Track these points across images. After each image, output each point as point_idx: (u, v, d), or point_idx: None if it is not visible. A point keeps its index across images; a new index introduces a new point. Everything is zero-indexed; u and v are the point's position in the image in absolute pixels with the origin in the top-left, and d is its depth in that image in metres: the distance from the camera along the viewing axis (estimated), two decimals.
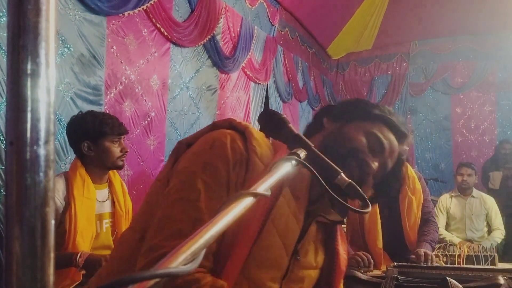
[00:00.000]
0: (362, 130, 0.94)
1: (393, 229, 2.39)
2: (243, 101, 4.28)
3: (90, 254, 1.66)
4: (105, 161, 1.86)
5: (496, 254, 2.36)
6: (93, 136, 1.82)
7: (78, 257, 1.63)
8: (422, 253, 2.12)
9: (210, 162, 0.83)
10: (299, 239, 0.91)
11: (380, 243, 2.31)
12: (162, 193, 0.86)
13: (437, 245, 2.70)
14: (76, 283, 1.72)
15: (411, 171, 2.47)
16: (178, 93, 3.32)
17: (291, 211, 0.88)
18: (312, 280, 0.98)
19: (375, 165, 0.91)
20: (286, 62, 5.02)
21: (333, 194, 0.80)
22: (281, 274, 0.89)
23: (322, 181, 0.74)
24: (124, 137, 1.96)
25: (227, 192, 0.82)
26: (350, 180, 0.74)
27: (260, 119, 0.85)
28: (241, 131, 0.90)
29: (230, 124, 0.93)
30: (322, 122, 1.00)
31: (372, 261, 2.10)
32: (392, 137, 0.96)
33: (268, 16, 4.53)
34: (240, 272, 0.81)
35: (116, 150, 1.86)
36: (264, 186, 0.53)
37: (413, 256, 2.14)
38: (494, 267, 2.20)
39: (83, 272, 1.70)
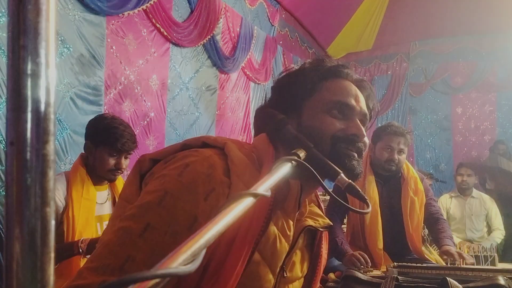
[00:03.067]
0: (320, 109, 0.85)
1: (395, 230, 2.39)
2: (242, 102, 4.28)
3: (91, 239, 1.65)
4: (97, 168, 1.82)
5: (496, 254, 2.36)
6: (95, 140, 1.80)
7: (80, 243, 1.62)
8: (456, 254, 2.06)
9: (173, 192, 0.71)
10: (287, 254, 0.85)
11: (380, 244, 2.31)
12: None
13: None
14: None
15: (413, 172, 2.46)
16: (177, 93, 3.32)
17: (279, 231, 0.82)
18: None
19: (360, 127, 0.86)
20: (286, 62, 5.02)
21: (334, 195, 0.80)
22: None
23: (323, 182, 0.74)
24: (128, 156, 1.87)
25: (189, 227, 0.71)
26: (349, 181, 0.74)
27: (261, 119, 0.85)
28: (221, 148, 0.80)
29: (204, 143, 0.82)
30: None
31: (369, 260, 2.09)
32: (350, 85, 0.89)
33: (268, 16, 4.53)
34: None
35: (110, 163, 1.80)
36: (264, 187, 0.53)
37: (445, 257, 2.09)
38: (494, 267, 2.20)
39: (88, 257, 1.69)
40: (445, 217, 3.91)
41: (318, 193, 3.62)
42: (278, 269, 0.83)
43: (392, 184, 2.44)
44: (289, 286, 0.88)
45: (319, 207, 0.99)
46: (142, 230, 0.68)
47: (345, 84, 0.89)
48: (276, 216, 0.81)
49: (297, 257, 0.90)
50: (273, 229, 0.80)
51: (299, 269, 0.91)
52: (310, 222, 0.90)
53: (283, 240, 0.82)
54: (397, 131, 2.37)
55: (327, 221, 0.94)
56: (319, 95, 0.86)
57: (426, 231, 2.81)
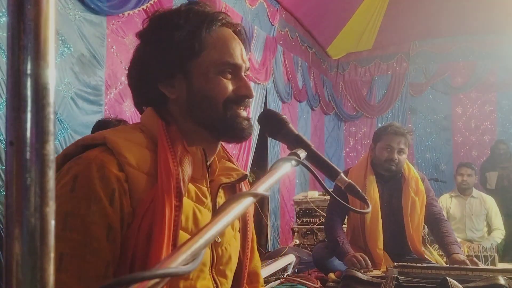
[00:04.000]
0: (212, 71, 0.82)
1: (396, 230, 2.39)
2: None
3: None
4: None
5: (496, 254, 2.36)
6: None
7: None
8: (467, 261, 2.02)
9: (73, 211, 0.67)
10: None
11: (381, 244, 2.31)
12: None
13: (437, 245, 2.70)
14: None
15: (414, 172, 2.46)
16: None
17: (195, 201, 0.80)
18: (237, 247, 0.93)
19: (249, 85, 0.86)
20: (286, 62, 5.02)
21: (334, 196, 0.80)
22: (208, 267, 0.83)
23: (323, 183, 0.74)
24: None
25: (107, 238, 0.68)
26: (350, 180, 0.74)
27: (260, 120, 0.85)
28: (102, 145, 0.74)
29: (84, 145, 0.76)
30: (157, 90, 0.83)
31: (369, 262, 2.09)
32: (233, 38, 0.86)
33: (268, 16, 4.53)
34: None
35: None
36: (264, 187, 0.53)
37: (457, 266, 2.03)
38: (494, 267, 2.20)
39: None
40: (445, 217, 3.92)
41: (318, 193, 3.63)
42: None
43: (393, 184, 2.44)
44: (226, 247, 0.87)
45: (230, 160, 0.96)
46: (58, 263, 0.63)
47: (229, 37, 0.86)
48: (187, 189, 0.78)
49: None
50: (187, 202, 0.78)
51: (230, 228, 0.90)
52: (224, 179, 0.89)
53: (202, 209, 0.81)
54: (398, 131, 2.37)
55: (241, 171, 0.93)
56: (207, 54, 0.82)
57: (426, 230, 2.80)
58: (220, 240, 0.85)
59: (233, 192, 0.94)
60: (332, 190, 0.80)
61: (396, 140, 2.35)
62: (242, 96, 0.85)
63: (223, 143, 0.93)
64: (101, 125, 1.87)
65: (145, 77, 0.84)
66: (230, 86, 0.84)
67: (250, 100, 0.87)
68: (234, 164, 0.95)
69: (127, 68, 2.85)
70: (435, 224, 2.40)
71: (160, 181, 0.73)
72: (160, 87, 0.83)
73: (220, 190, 0.88)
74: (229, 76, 0.84)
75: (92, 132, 1.88)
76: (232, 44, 0.85)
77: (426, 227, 2.64)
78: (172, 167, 0.74)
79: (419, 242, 2.36)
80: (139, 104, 0.90)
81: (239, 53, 0.86)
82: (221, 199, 0.89)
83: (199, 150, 0.83)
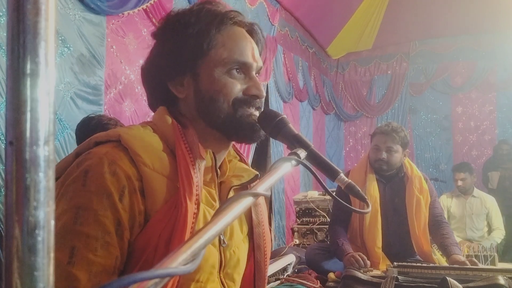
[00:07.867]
0: (219, 71, 0.81)
1: (399, 231, 2.37)
2: None
3: None
4: None
5: (496, 254, 2.36)
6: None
7: None
8: (467, 262, 2.00)
9: (84, 205, 0.66)
10: None
11: (379, 243, 2.30)
12: None
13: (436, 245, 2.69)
14: None
15: (417, 171, 2.46)
16: None
17: (205, 203, 0.79)
18: (245, 251, 0.90)
19: (259, 85, 0.83)
20: (286, 62, 5.02)
21: (334, 196, 0.80)
22: (217, 269, 0.82)
23: (323, 182, 0.74)
24: None
25: (116, 232, 0.68)
26: (349, 180, 0.74)
27: (261, 119, 0.85)
28: (117, 141, 0.73)
29: (97, 143, 0.75)
30: (167, 89, 0.83)
31: (368, 262, 2.09)
32: (245, 36, 0.85)
33: (268, 16, 4.53)
34: None
35: None
36: (264, 186, 0.53)
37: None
38: (494, 267, 2.20)
39: None
40: (446, 217, 3.92)
41: (318, 193, 3.62)
42: (217, 241, 0.82)
43: (395, 183, 2.43)
44: (234, 250, 0.86)
45: (243, 160, 0.94)
46: (69, 256, 0.63)
47: (240, 35, 0.85)
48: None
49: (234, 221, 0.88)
50: (201, 206, 0.77)
51: (239, 231, 0.89)
52: (234, 181, 0.87)
53: (212, 211, 0.80)
54: (384, 130, 2.37)
55: (253, 171, 0.91)
56: (215, 53, 0.81)
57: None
58: (227, 243, 0.84)
59: (239, 190, 0.92)
60: (335, 191, 0.80)
61: (382, 139, 2.36)
62: (251, 96, 0.83)
63: (234, 144, 0.92)
64: (85, 122, 1.90)
65: (156, 75, 0.85)
66: (238, 86, 0.82)
67: (262, 100, 0.85)
68: (246, 164, 0.93)
69: (127, 68, 2.85)
70: (436, 226, 2.38)
71: (182, 188, 0.72)
72: (169, 86, 0.83)
73: (230, 192, 0.87)
74: (239, 75, 0.82)
75: (78, 132, 1.89)
76: (242, 42, 0.84)
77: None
78: (193, 174, 0.73)
79: (426, 243, 2.32)
80: (152, 104, 0.89)
81: (250, 52, 0.84)
82: None
83: (209, 154, 0.82)
